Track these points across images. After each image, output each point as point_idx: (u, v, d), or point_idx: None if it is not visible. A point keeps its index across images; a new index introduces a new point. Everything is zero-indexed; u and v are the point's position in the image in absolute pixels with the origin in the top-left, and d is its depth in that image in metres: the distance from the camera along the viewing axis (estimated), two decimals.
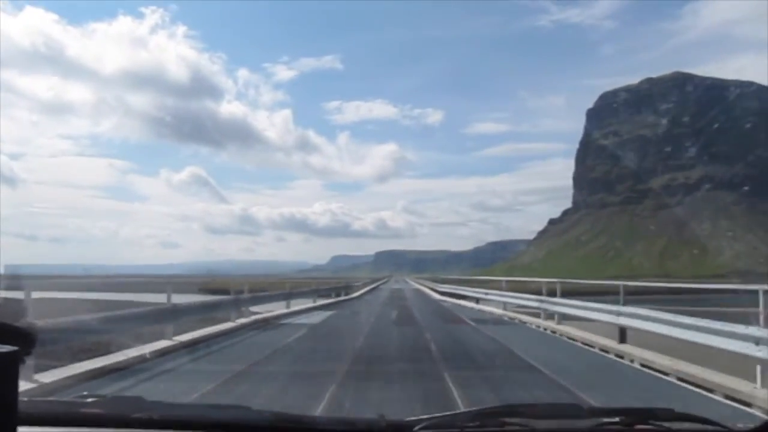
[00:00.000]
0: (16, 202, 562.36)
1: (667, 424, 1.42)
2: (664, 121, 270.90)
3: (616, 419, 1.42)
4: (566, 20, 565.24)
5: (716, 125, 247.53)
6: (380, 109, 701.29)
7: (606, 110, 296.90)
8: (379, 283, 78.16)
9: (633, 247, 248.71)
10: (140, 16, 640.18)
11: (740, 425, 1.54)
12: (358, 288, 49.08)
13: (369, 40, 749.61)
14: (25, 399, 1.08)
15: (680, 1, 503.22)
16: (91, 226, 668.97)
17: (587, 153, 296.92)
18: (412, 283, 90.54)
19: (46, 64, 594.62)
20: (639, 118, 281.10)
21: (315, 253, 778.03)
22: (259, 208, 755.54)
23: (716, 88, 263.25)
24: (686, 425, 1.44)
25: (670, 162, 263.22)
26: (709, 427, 1.45)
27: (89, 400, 1.42)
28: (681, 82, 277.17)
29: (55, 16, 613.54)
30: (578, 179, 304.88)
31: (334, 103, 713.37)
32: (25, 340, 1.15)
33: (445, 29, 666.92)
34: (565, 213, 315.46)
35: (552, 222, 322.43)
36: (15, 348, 1.04)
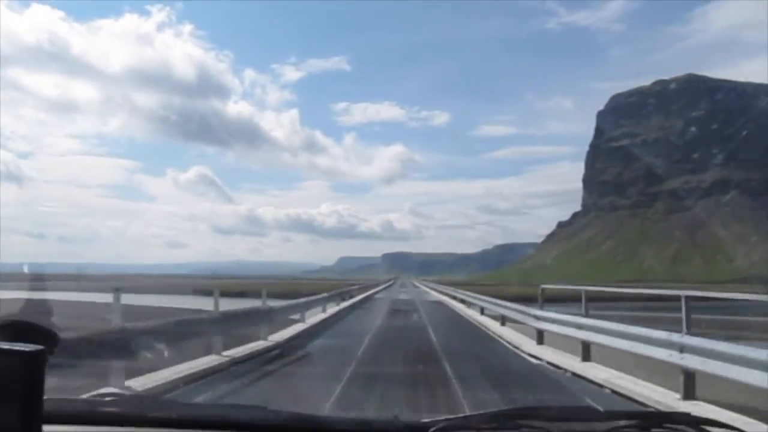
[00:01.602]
0: (25, 201, 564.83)
1: (683, 428, 1.43)
2: (678, 123, 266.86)
3: (632, 422, 1.43)
4: (575, 23, 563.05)
5: (732, 128, 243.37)
6: (387, 111, 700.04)
7: (617, 112, 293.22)
8: (377, 289, 52.93)
9: (644, 251, 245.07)
10: (147, 13, 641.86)
11: (760, 429, 1.54)
12: (320, 305, 21.77)
13: (376, 42, 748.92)
14: (46, 398, 1.10)
15: (689, 4, 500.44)
16: (99, 225, 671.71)
17: (597, 155, 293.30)
18: (423, 287, 69.55)
19: (53, 61, 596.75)
20: (652, 120, 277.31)
21: (322, 255, 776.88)
22: (266, 209, 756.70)
23: (731, 89, 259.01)
24: (702, 429, 1.45)
25: (683, 165, 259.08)
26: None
27: (108, 398, 1.46)
28: (695, 84, 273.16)
29: (61, 14, 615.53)
30: (588, 181, 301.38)
31: (342, 105, 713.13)
32: (49, 339, 1.17)
33: (453, 31, 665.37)
34: (575, 216, 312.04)
35: (561, 225, 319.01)
36: (41, 347, 1.06)
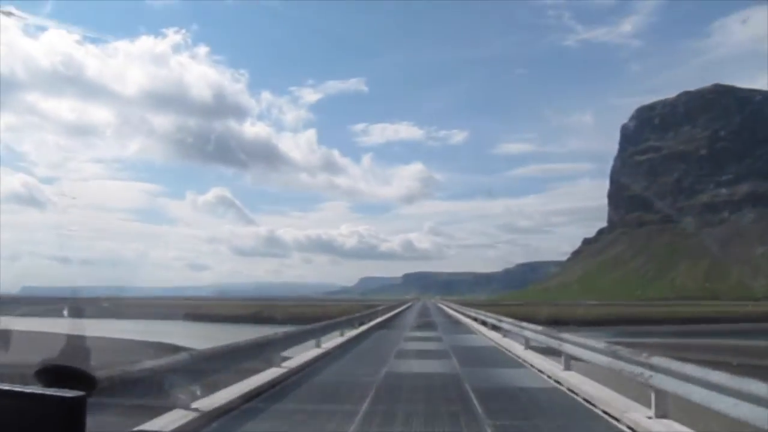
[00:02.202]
0: (49, 225, 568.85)
1: None
2: (706, 135, 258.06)
3: None
4: (593, 39, 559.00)
5: (764, 138, 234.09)
6: (406, 131, 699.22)
7: (643, 125, 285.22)
8: (379, 319, 34.69)
9: (675, 268, 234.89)
10: (162, 35, 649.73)
11: None
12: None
13: (393, 63, 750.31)
14: None
15: (707, 18, 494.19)
16: (122, 248, 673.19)
17: (623, 170, 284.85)
18: (457, 316, 44.54)
19: (69, 85, 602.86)
20: (678, 132, 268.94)
21: (343, 275, 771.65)
22: (286, 230, 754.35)
23: (761, 98, 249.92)
24: None
25: (713, 177, 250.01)
26: None
27: None
28: (722, 94, 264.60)
29: (76, 36, 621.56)
30: (614, 197, 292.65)
31: (360, 126, 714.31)
32: (87, 382, 1.17)
33: (470, 50, 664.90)
34: (600, 232, 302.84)
35: (587, 242, 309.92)
36: (81, 393, 1.07)
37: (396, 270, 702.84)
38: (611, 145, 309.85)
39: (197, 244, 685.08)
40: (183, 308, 70.81)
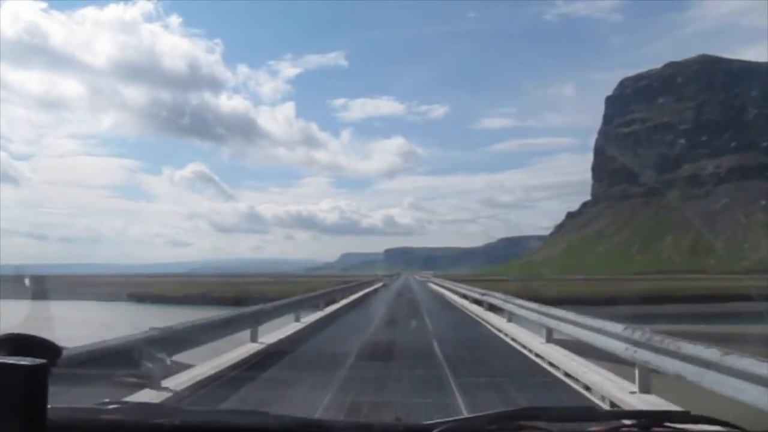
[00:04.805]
0: (26, 203, 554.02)
1: (683, 426, 1.41)
2: (692, 106, 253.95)
3: (633, 422, 1.43)
4: (573, 14, 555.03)
5: (750, 110, 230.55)
6: (386, 106, 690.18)
7: (627, 97, 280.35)
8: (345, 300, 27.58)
9: (660, 241, 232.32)
10: (132, 2, 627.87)
11: (759, 428, 1.48)
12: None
13: (373, 37, 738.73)
14: (49, 407, 1.11)
15: None
16: (101, 225, 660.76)
17: (607, 142, 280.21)
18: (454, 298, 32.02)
19: (37, 55, 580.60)
20: (664, 103, 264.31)
21: (324, 251, 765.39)
22: (266, 206, 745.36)
23: (747, 69, 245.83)
24: (703, 427, 1.43)
25: (698, 150, 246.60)
26: (726, 429, 1.44)
27: (111, 406, 1.46)
28: (708, 65, 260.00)
29: (42, 4, 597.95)
30: (598, 170, 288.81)
31: (340, 101, 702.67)
32: (51, 352, 1.17)
33: (450, 24, 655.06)
34: (584, 206, 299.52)
35: (570, 216, 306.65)
36: (42, 361, 1.08)
37: (377, 245, 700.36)
38: (592, 120, 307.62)
39: (177, 220, 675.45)
40: (138, 287, 63.99)
